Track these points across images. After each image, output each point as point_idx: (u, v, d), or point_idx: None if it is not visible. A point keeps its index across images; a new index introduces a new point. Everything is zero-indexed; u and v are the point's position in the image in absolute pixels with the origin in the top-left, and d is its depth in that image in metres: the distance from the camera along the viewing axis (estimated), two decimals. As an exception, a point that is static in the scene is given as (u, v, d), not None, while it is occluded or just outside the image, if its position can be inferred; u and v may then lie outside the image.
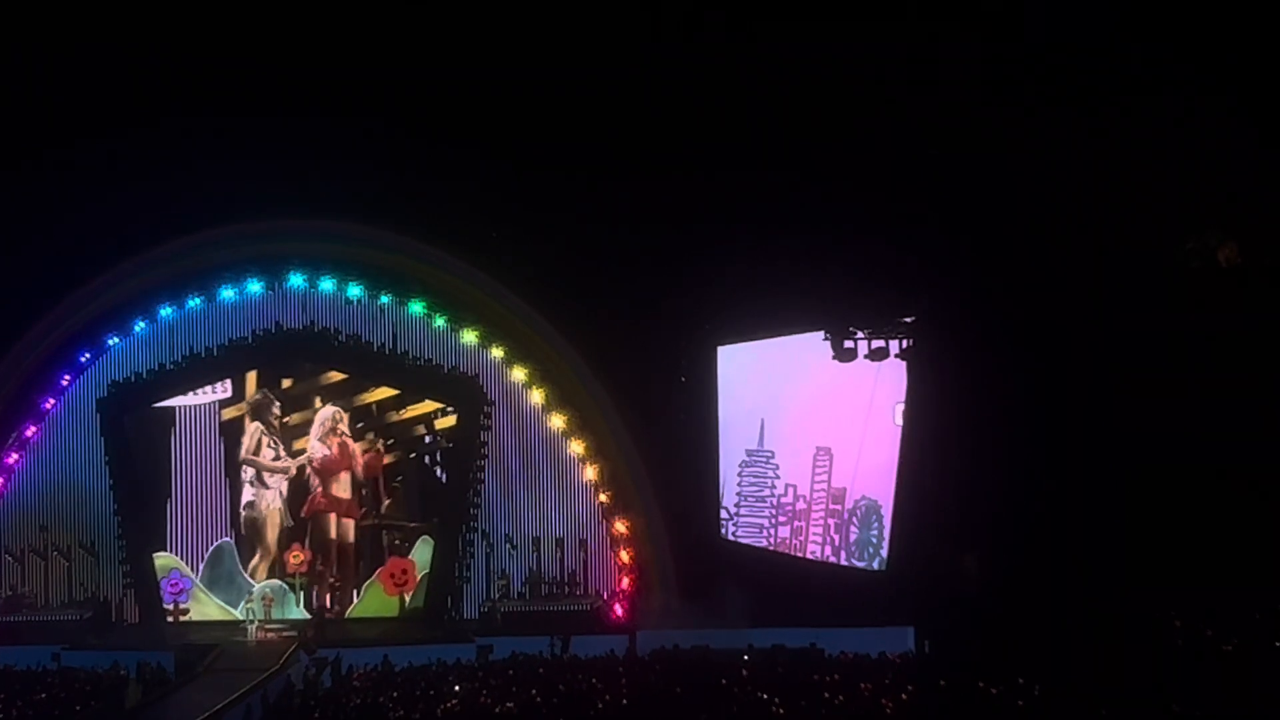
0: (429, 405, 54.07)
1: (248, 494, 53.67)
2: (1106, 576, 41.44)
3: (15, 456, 52.11)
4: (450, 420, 53.99)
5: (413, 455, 54.54)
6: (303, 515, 53.62)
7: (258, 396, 53.63)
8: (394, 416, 54.23)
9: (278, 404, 53.79)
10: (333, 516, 53.63)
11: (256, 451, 53.64)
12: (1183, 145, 40.74)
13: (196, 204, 49.04)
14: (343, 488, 53.64)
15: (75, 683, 41.92)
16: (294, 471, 53.69)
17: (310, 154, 48.98)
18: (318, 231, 51.12)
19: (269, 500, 53.67)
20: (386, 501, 53.81)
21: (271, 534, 53.80)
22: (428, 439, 54.66)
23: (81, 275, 50.66)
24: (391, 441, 54.07)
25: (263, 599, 51.96)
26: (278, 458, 53.62)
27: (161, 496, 53.44)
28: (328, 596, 53.31)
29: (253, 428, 53.64)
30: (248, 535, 53.70)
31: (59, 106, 48.26)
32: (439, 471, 54.64)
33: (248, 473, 53.69)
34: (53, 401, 52.35)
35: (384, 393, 53.99)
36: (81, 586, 52.45)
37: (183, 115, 48.57)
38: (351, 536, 53.85)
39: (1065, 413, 43.42)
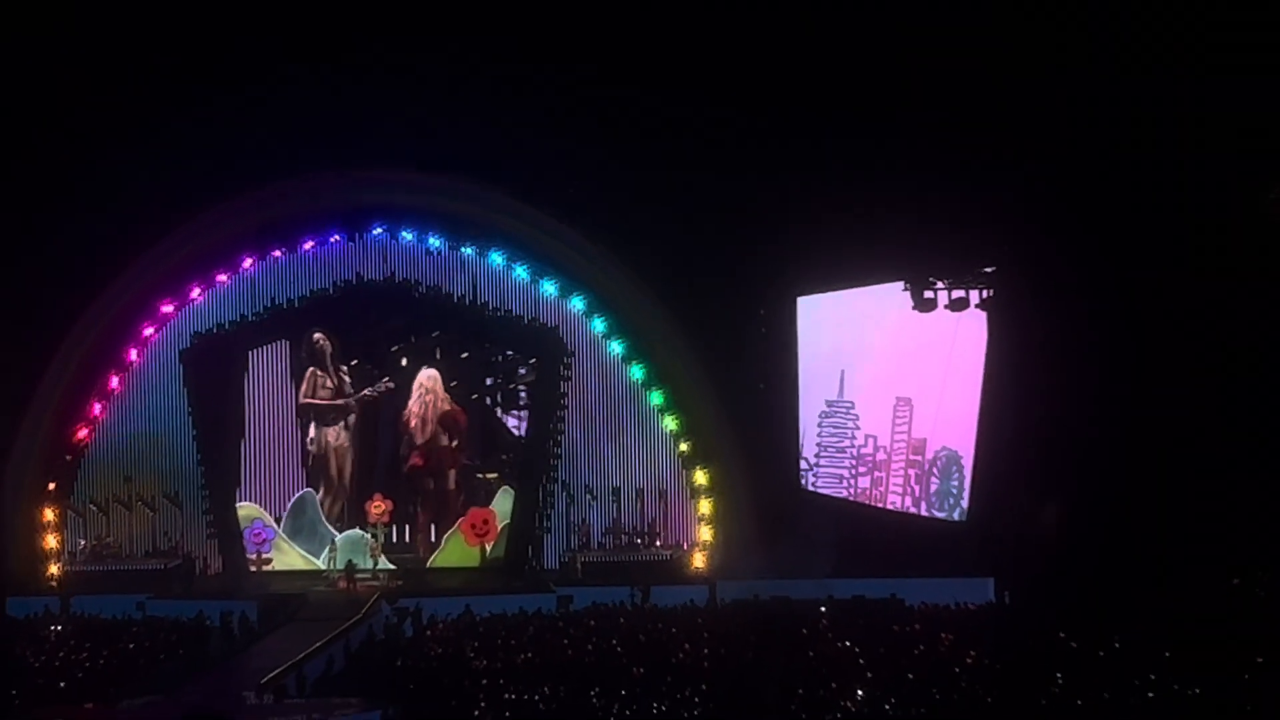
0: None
1: (310, 434, 54.70)
2: (1188, 530, 41.18)
3: (100, 407, 52.47)
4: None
5: (474, 397, 55.14)
6: (404, 472, 54.43)
7: (316, 341, 54.26)
8: (458, 359, 55.21)
9: (332, 347, 54.49)
10: (430, 468, 54.45)
11: (313, 394, 54.41)
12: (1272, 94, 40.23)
13: (279, 156, 49.15)
14: (438, 442, 54.39)
15: (160, 632, 42.17)
16: (353, 408, 54.57)
17: (393, 106, 49.07)
18: (400, 183, 51.25)
19: (330, 438, 54.77)
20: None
21: (335, 470, 54.77)
22: (489, 381, 55.25)
23: (164, 228, 50.93)
24: (455, 384, 54.72)
25: (368, 547, 52.49)
26: (335, 398, 54.34)
27: (236, 440, 54.18)
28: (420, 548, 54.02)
29: (309, 372, 54.50)
30: (314, 473, 54.70)
31: (143, 57, 48.43)
32: (499, 413, 55.53)
33: (308, 414, 54.53)
34: (136, 353, 52.68)
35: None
36: (165, 536, 52.84)
37: (267, 67, 48.68)
38: (452, 484, 54.70)
39: (1147, 364, 43.11)
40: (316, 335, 54.36)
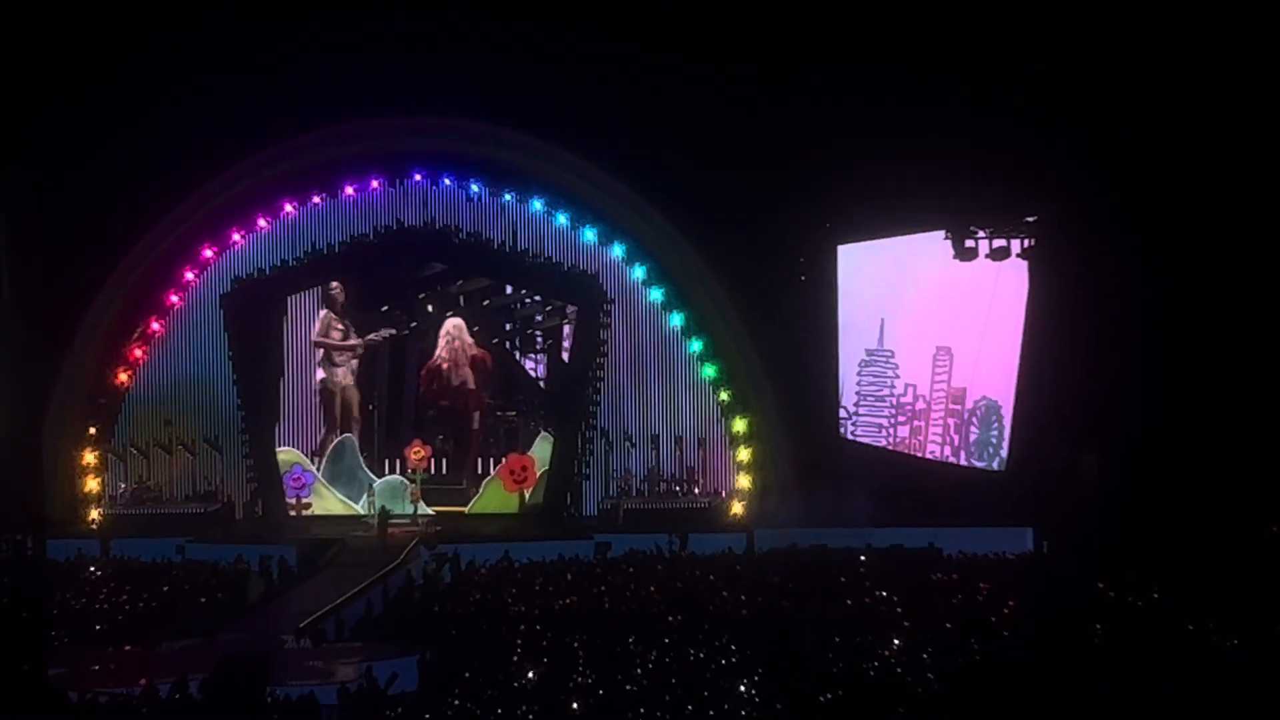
0: (514, 295, 56.01)
1: (319, 374, 55.27)
2: (1227, 481, 41.02)
3: (140, 351, 52.64)
4: (555, 320, 55.80)
5: (495, 341, 55.66)
6: (429, 415, 54.72)
7: (332, 288, 54.95)
8: (480, 306, 55.89)
9: (346, 296, 55.16)
10: (455, 408, 54.93)
11: (325, 334, 54.85)
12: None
13: (319, 100, 49.14)
14: (464, 384, 54.82)
15: (199, 575, 42.34)
16: (361, 351, 55.28)
17: (433, 49, 48.99)
18: (441, 129, 51.26)
19: (338, 378, 55.27)
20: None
21: (339, 408, 55.33)
22: (508, 326, 55.80)
23: (205, 172, 51.02)
24: (477, 329, 55.17)
25: (407, 492, 52.70)
26: (345, 339, 54.95)
27: (276, 385, 54.55)
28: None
29: (323, 313, 54.97)
30: (323, 411, 55.32)
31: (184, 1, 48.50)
32: (517, 356, 56.52)
33: (319, 354, 55.16)
34: (177, 296, 52.83)
35: (476, 284, 55.72)
36: (205, 480, 53.14)
37: (310, 11, 48.63)
38: (476, 423, 55.35)
39: (1190, 315, 42.90)
40: (333, 284, 54.86)
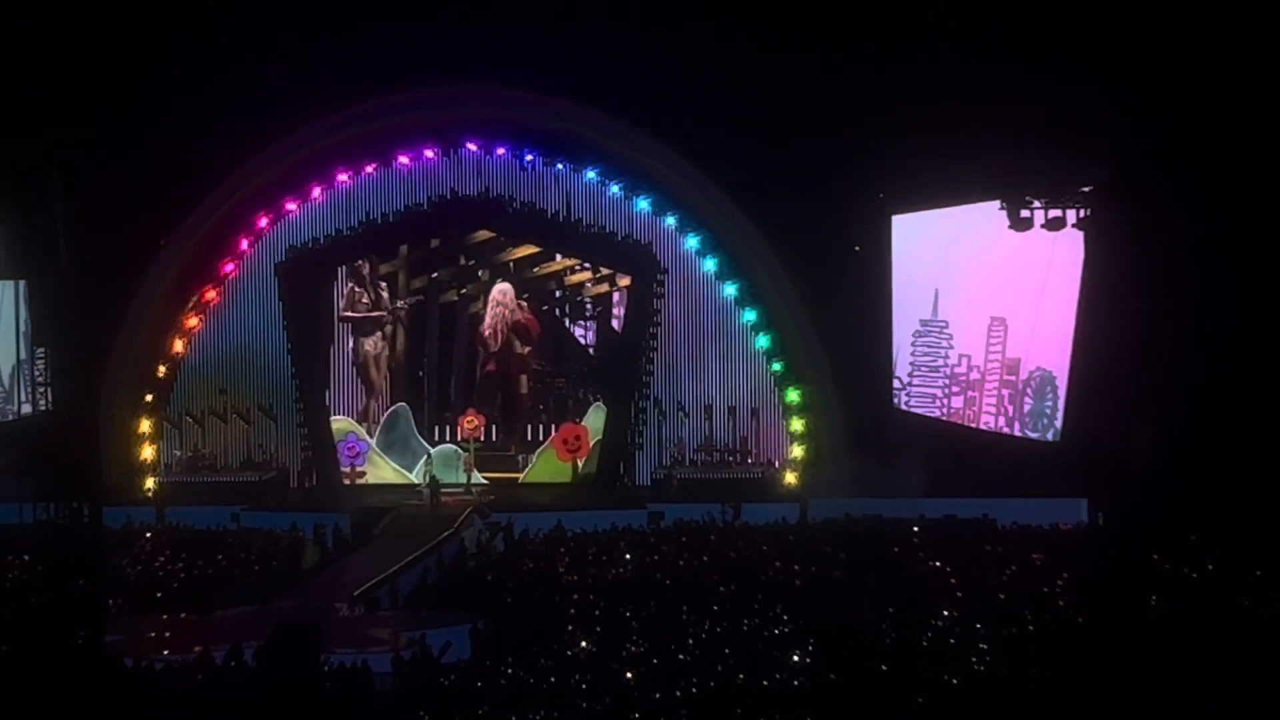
0: (565, 262, 55.52)
1: (349, 344, 55.45)
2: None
3: (196, 320, 52.86)
4: (603, 287, 55.40)
5: (544, 308, 55.65)
6: (479, 379, 55.11)
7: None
8: (529, 274, 55.73)
9: (370, 266, 55.41)
10: (502, 373, 55.31)
11: (352, 306, 55.09)
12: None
13: (374, 69, 49.23)
14: (511, 350, 55.07)
15: (254, 543, 42.60)
16: (387, 320, 55.55)
17: (487, 18, 48.96)
18: (495, 98, 51.27)
19: (368, 347, 55.45)
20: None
21: (374, 375, 55.67)
22: (557, 294, 55.86)
23: (260, 142, 51.18)
24: (527, 296, 55.28)
25: (461, 461, 52.96)
26: (372, 309, 55.20)
27: (329, 354, 55.02)
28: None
29: (349, 288, 55.22)
30: (361, 381, 55.66)
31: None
32: (566, 323, 56.36)
33: (347, 325, 55.31)
34: (232, 266, 53.03)
35: (525, 251, 55.43)
36: (260, 449, 53.37)
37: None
38: (524, 388, 55.59)
39: (1246, 286, 42.68)
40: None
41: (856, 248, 51.48)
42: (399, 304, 55.56)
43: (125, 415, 51.35)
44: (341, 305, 55.04)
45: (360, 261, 55.11)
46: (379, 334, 55.42)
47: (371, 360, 55.38)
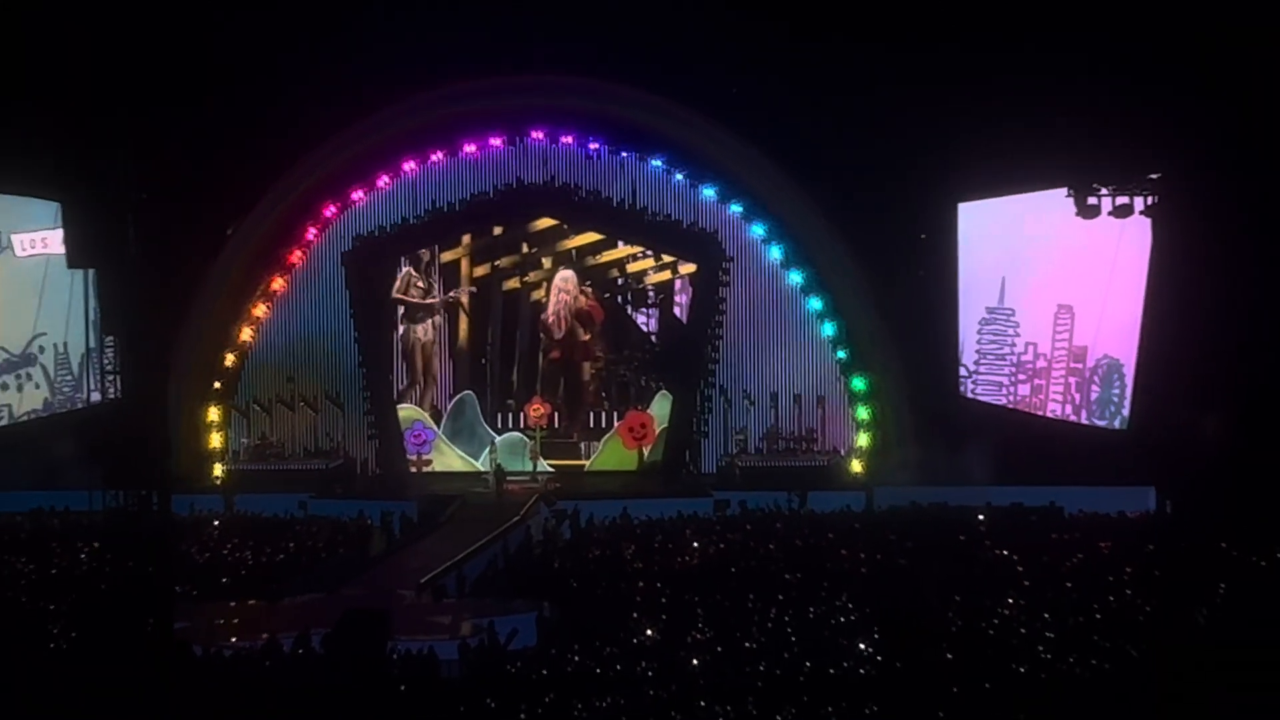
0: (626, 249, 55.54)
1: (400, 330, 55.54)
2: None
3: (263, 308, 53.10)
4: (665, 275, 55.45)
5: (606, 295, 55.76)
6: (542, 367, 55.31)
7: None
8: (591, 261, 55.75)
9: (429, 255, 55.58)
10: (565, 360, 55.45)
11: (405, 291, 55.15)
12: None
13: (441, 58, 49.29)
14: (574, 337, 55.22)
15: (321, 531, 42.79)
16: (440, 309, 55.74)
17: (553, 6, 48.98)
18: (561, 86, 51.34)
19: (418, 334, 55.54)
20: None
21: (420, 364, 55.68)
22: (619, 281, 55.96)
23: (326, 131, 51.37)
24: (589, 283, 55.41)
25: (527, 449, 53.17)
26: (426, 297, 55.36)
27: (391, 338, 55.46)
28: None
29: (405, 272, 55.28)
30: (405, 366, 55.66)
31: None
32: (629, 311, 56.48)
33: (399, 310, 55.35)
34: (299, 254, 53.25)
35: (587, 238, 55.49)
36: (327, 437, 53.60)
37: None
38: (586, 375, 55.82)
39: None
40: None
41: (923, 235, 51.32)
42: (451, 294, 55.73)
43: (194, 403, 51.65)
44: (395, 287, 55.12)
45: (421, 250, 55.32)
46: (429, 322, 55.62)
47: (419, 347, 55.55)
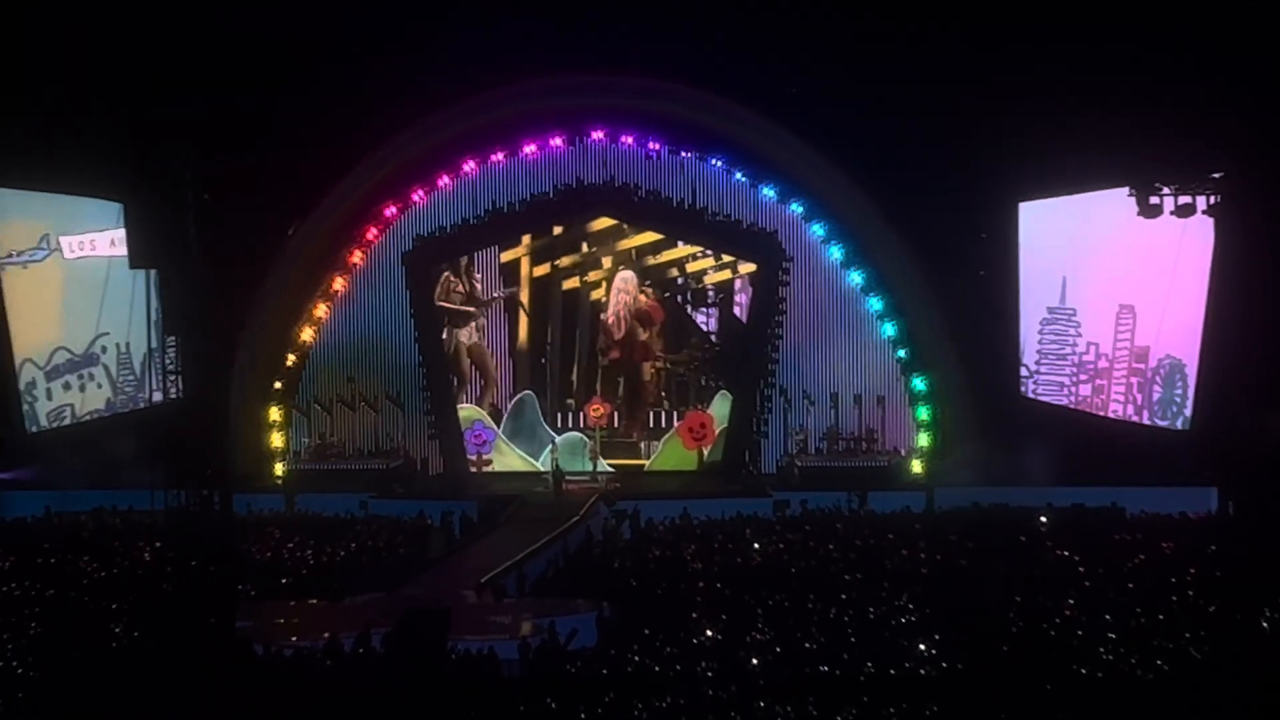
0: (685, 249, 55.37)
1: (444, 335, 55.31)
2: None
3: (324, 308, 53.27)
4: (724, 274, 55.38)
5: (666, 295, 55.66)
6: (602, 366, 55.47)
7: None
8: (651, 261, 55.62)
9: (468, 259, 55.43)
10: (625, 360, 55.49)
11: (446, 296, 55.13)
12: None
13: (501, 58, 49.38)
14: (634, 336, 55.28)
15: (381, 530, 42.85)
16: (479, 313, 55.56)
17: (613, 6, 49.01)
18: (621, 87, 51.45)
19: (462, 337, 55.50)
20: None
21: (467, 367, 55.77)
22: (679, 281, 55.93)
23: (388, 130, 51.53)
24: (649, 283, 55.40)
25: (587, 449, 53.37)
26: (465, 303, 55.23)
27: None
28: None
29: (444, 277, 55.16)
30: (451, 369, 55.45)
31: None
32: (689, 310, 56.35)
33: (441, 317, 55.18)
34: (360, 254, 53.39)
35: (646, 238, 55.34)
36: (388, 437, 53.77)
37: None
38: (646, 375, 55.68)
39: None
40: None
41: (983, 235, 51.19)
42: (493, 296, 55.71)
43: (255, 403, 51.97)
44: (435, 294, 55.01)
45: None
46: (471, 325, 55.57)
47: (464, 351, 55.53)
